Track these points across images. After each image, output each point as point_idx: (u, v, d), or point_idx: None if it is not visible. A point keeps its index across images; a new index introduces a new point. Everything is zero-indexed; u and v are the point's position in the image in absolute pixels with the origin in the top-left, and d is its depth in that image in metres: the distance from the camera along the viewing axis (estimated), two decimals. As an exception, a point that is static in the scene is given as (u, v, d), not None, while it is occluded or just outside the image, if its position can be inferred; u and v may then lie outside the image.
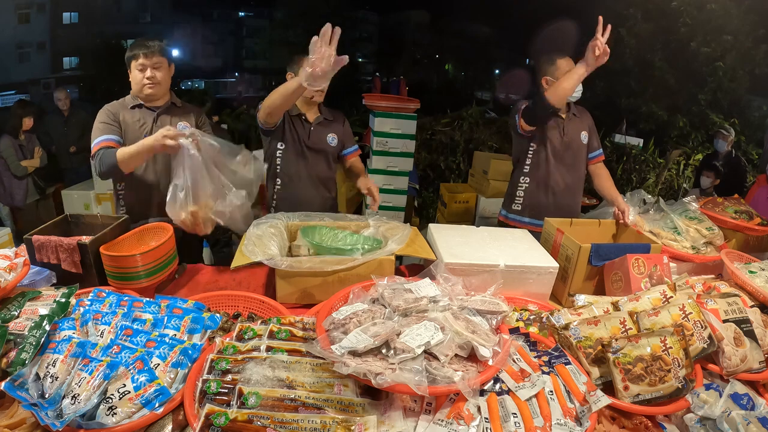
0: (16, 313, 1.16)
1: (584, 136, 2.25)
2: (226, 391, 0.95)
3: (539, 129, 2.22)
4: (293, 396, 0.94)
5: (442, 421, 0.94)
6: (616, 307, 1.34)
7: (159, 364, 1.04)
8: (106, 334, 1.14)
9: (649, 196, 2.16)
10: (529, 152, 2.29)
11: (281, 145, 2.19)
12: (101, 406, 0.94)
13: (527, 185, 2.31)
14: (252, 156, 1.72)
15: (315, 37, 1.50)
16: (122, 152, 1.73)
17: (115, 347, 1.06)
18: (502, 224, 2.43)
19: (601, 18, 1.79)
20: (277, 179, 2.25)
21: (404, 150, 4.02)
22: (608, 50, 1.83)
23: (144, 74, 1.89)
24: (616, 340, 1.14)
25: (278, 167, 2.22)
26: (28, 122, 4.06)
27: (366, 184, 2.12)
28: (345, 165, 2.38)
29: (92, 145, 1.85)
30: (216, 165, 1.64)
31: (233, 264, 1.52)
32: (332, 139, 2.25)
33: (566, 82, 1.97)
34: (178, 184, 1.60)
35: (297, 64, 2.05)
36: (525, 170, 2.30)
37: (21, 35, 14.49)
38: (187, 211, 1.61)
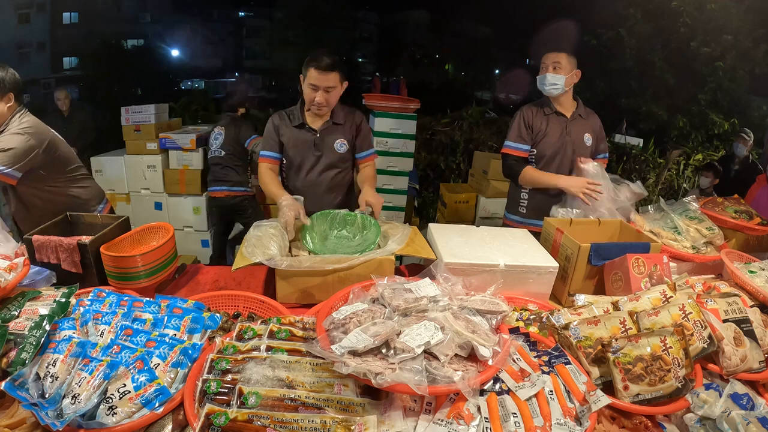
0: (16, 313, 1.16)
1: (587, 138, 2.25)
2: (226, 390, 0.95)
3: (540, 132, 2.27)
4: (293, 396, 0.94)
5: (442, 420, 0.94)
6: (616, 306, 1.34)
7: (159, 364, 1.04)
8: (106, 334, 1.14)
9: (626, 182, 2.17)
10: (531, 152, 2.30)
11: (284, 161, 2.13)
12: (101, 406, 0.94)
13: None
14: None
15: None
16: None
17: (115, 347, 1.07)
18: (507, 227, 2.44)
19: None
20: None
21: (404, 150, 4.02)
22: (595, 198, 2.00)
23: None
24: (616, 339, 1.14)
25: (282, 180, 2.17)
26: None
27: (365, 197, 1.87)
28: (358, 171, 2.23)
29: None
30: None
31: (234, 266, 1.52)
32: (341, 145, 2.11)
33: (540, 180, 2.20)
34: None
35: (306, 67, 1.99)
36: None
37: (21, 35, 14.47)
38: None
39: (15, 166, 1.85)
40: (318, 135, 2.08)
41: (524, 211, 2.36)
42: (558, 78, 2.17)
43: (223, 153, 3.64)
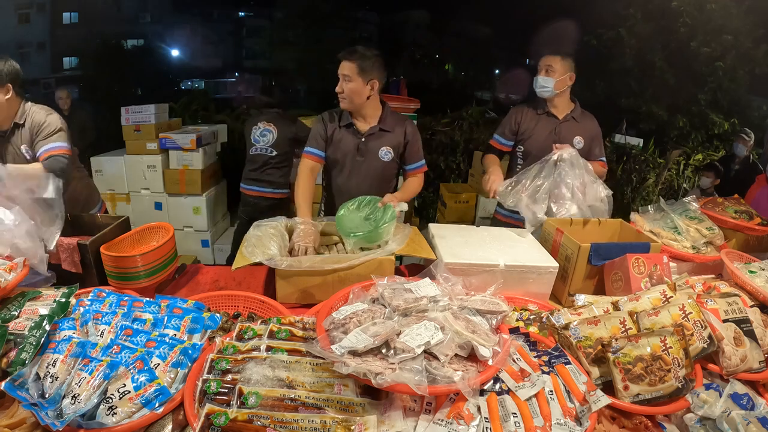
0: (16, 313, 1.16)
1: (578, 141, 2.25)
2: (226, 390, 0.95)
3: (527, 130, 2.32)
4: (293, 396, 0.94)
5: (442, 420, 0.94)
6: (616, 306, 1.34)
7: (159, 364, 1.04)
8: (106, 334, 1.14)
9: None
10: (519, 149, 2.35)
11: (327, 159, 2.09)
12: (101, 406, 0.94)
13: None
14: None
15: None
16: None
17: (115, 347, 1.07)
18: (494, 219, 2.50)
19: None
20: (324, 192, 2.19)
21: (404, 150, 4.01)
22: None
23: None
24: (616, 339, 1.14)
25: (324, 180, 2.16)
26: None
27: (388, 197, 1.89)
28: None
29: None
30: None
31: (234, 266, 1.52)
32: (386, 153, 2.04)
33: (485, 168, 2.31)
34: None
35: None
36: (518, 167, 2.32)
37: (21, 35, 14.48)
38: None
39: (68, 141, 1.92)
40: (363, 139, 2.03)
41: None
42: (548, 81, 2.19)
43: (275, 153, 3.40)
